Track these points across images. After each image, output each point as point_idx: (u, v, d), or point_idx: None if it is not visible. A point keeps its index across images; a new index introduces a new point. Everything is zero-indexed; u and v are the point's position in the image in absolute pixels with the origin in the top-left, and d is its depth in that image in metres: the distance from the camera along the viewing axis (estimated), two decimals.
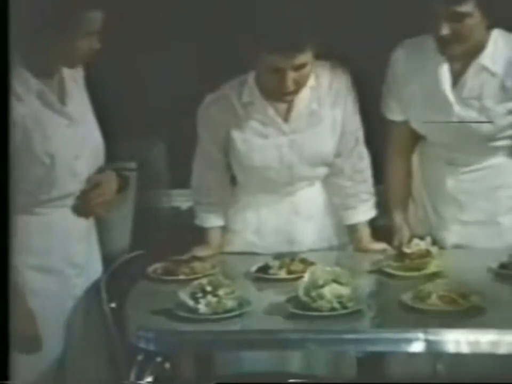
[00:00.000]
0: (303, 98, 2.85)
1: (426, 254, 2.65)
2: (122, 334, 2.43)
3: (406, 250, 2.67)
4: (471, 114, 2.79)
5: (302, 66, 2.70)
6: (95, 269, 2.67)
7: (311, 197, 2.97)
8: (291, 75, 2.70)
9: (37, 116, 2.44)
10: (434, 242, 2.74)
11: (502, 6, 2.60)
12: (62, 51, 2.43)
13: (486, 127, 2.78)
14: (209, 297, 2.36)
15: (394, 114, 2.94)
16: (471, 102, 2.78)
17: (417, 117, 2.89)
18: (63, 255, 2.54)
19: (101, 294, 2.54)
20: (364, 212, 2.95)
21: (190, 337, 2.32)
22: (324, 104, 2.87)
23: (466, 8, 2.61)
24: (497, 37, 2.75)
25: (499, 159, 2.88)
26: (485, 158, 2.87)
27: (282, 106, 2.86)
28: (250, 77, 2.87)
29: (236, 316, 2.34)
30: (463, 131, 2.81)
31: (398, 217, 2.99)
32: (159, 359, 2.37)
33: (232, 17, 3.03)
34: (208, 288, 2.38)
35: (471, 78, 2.77)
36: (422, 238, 2.73)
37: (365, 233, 2.96)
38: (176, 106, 3.19)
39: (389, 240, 2.90)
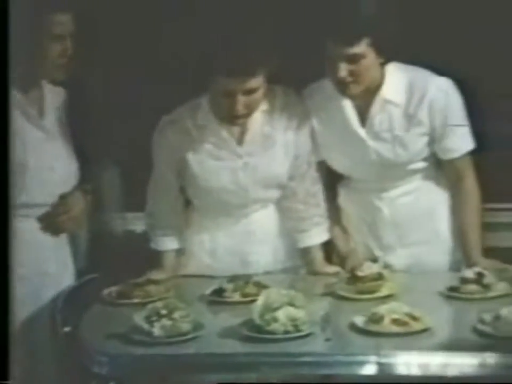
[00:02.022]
0: (257, 122, 2.88)
1: (379, 277, 2.68)
2: (76, 358, 2.42)
3: (359, 273, 2.69)
4: (386, 146, 2.88)
5: (253, 90, 2.73)
6: (67, 280, 2.67)
7: (265, 219, 3.00)
8: (242, 99, 2.73)
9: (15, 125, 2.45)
10: (387, 265, 2.78)
11: (393, 43, 2.69)
12: (36, 56, 2.45)
13: (402, 155, 2.88)
14: (164, 321, 2.36)
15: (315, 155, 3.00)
16: (383, 135, 2.87)
17: (335, 158, 2.97)
18: (31, 263, 2.54)
19: (55, 317, 2.53)
20: (316, 235, 2.99)
21: (144, 361, 2.32)
22: (277, 127, 2.90)
23: (360, 49, 2.69)
24: (392, 70, 2.84)
25: (425, 181, 2.98)
26: (410, 181, 2.96)
27: (236, 129, 2.89)
28: (205, 100, 2.89)
29: (190, 339, 2.35)
30: (381, 163, 2.90)
31: (351, 240, 3.04)
32: None
33: (185, 39, 3.05)
34: (163, 312, 2.38)
35: (378, 112, 2.86)
36: (374, 261, 2.77)
37: (318, 256, 2.99)
38: (131, 129, 3.20)
39: None
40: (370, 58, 2.73)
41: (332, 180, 3.05)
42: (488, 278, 2.61)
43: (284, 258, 3.02)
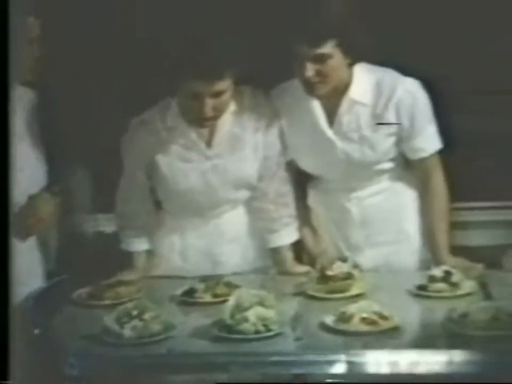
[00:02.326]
0: (225, 123, 2.89)
1: (349, 276, 2.70)
2: (47, 360, 2.41)
3: (329, 272, 2.71)
4: (353, 146, 2.90)
5: (220, 93, 2.74)
6: (36, 282, 2.67)
7: (235, 220, 3.01)
8: (209, 102, 2.73)
9: None
10: (357, 264, 2.80)
11: (360, 44, 2.71)
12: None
13: (369, 155, 2.91)
14: (135, 322, 2.36)
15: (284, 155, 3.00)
16: (350, 135, 2.89)
17: (303, 158, 2.99)
18: None
19: (25, 319, 2.52)
20: (286, 235, 3.00)
21: (115, 362, 2.32)
22: (246, 128, 2.91)
23: (327, 49, 2.71)
24: (360, 70, 2.86)
25: (392, 182, 3.00)
26: (378, 181, 2.99)
27: (205, 131, 2.90)
28: (174, 102, 2.89)
29: (161, 340, 2.35)
30: (349, 163, 2.92)
31: (321, 240, 3.06)
32: None
33: (154, 42, 3.05)
34: (134, 313, 2.39)
35: (345, 112, 2.88)
36: (344, 261, 2.79)
37: (288, 256, 3.01)
38: (101, 130, 3.20)
39: None
40: (337, 59, 2.75)
41: (301, 180, 3.07)
42: (456, 277, 2.64)
43: (254, 258, 3.03)
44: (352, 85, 2.86)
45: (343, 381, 2.24)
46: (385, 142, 2.91)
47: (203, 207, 2.96)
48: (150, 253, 3.02)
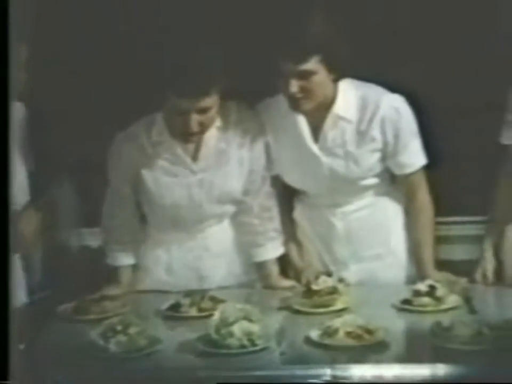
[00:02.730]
0: (211, 138, 2.89)
1: (334, 290, 2.71)
2: (31, 376, 2.40)
3: (314, 287, 2.72)
4: (338, 162, 2.91)
5: (206, 109, 2.75)
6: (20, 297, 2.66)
7: (220, 234, 3.01)
8: (195, 117, 2.74)
9: None
10: (342, 279, 2.81)
11: (345, 60, 2.73)
12: None
13: (354, 171, 2.92)
14: (120, 337, 2.36)
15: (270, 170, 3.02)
16: (335, 150, 2.91)
17: (289, 173, 3.00)
18: None
19: (8, 334, 2.51)
20: (272, 249, 3.01)
21: (101, 377, 2.31)
22: (231, 143, 2.92)
23: (311, 66, 2.72)
24: (345, 86, 2.87)
25: (377, 197, 3.01)
26: (363, 197, 3.00)
27: (191, 145, 2.90)
28: (159, 117, 2.90)
29: (146, 355, 2.35)
30: (334, 178, 2.93)
31: (306, 254, 3.07)
32: None
33: (139, 57, 3.06)
34: (119, 327, 2.39)
35: (330, 128, 2.89)
36: (329, 275, 2.79)
37: (274, 270, 3.01)
38: (87, 144, 3.20)
39: None
40: (322, 75, 2.76)
41: (287, 194, 3.08)
42: (440, 291, 2.65)
43: (240, 272, 3.03)
44: (336, 101, 2.87)
45: None
46: (370, 157, 2.93)
47: (188, 222, 2.97)
48: (135, 268, 3.02)
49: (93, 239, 3.22)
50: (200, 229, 2.99)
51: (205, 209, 2.94)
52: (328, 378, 2.23)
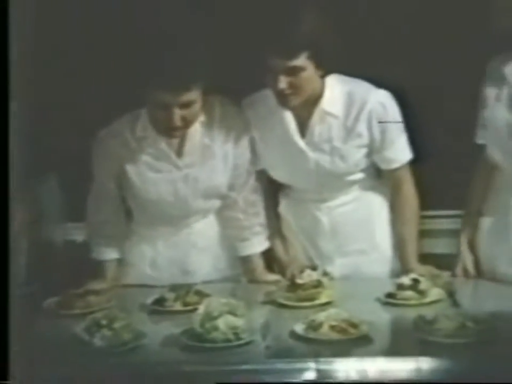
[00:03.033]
0: (195, 134, 2.89)
1: (318, 284, 2.71)
2: (15, 370, 2.40)
3: (299, 281, 2.73)
4: (325, 157, 2.92)
5: (189, 104, 2.75)
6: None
7: (206, 229, 3.02)
8: (178, 112, 2.74)
9: None
10: (326, 272, 2.82)
11: (333, 56, 2.74)
12: None
13: (340, 166, 2.93)
14: (105, 331, 2.37)
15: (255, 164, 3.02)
16: (322, 146, 2.91)
17: (275, 168, 3.01)
18: None
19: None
20: (257, 243, 3.02)
21: (86, 372, 2.31)
22: (215, 138, 2.92)
23: (300, 62, 2.73)
24: (332, 82, 2.88)
25: (363, 191, 3.03)
26: (349, 192, 3.01)
27: (175, 141, 2.90)
28: (144, 112, 2.90)
29: (131, 349, 2.35)
30: (321, 173, 2.94)
31: (291, 249, 3.08)
32: None
33: (122, 52, 3.05)
34: (104, 322, 2.39)
35: (317, 123, 2.90)
36: (314, 269, 2.80)
37: (259, 264, 3.02)
38: (70, 139, 3.19)
39: None
40: (310, 71, 2.76)
41: (272, 189, 3.09)
42: (424, 284, 2.67)
43: (225, 267, 3.04)
44: (324, 96, 2.87)
45: None
46: (357, 153, 2.93)
47: (173, 217, 2.97)
48: (120, 262, 3.02)
49: (78, 233, 3.21)
50: (185, 224, 2.99)
51: (189, 204, 2.94)
52: (312, 372, 2.24)
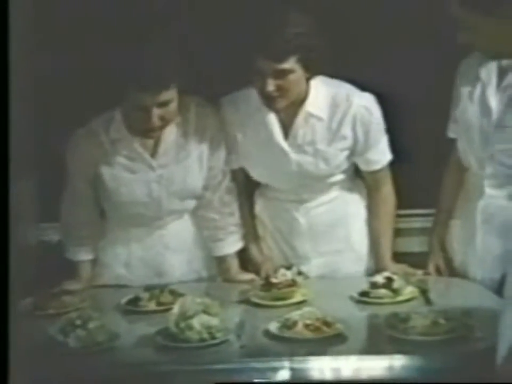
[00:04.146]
0: (170, 134, 2.89)
1: (292, 283, 2.72)
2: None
3: (273, 280, 2.74)
4: (308, 159, 2.92)
5: (167, 102, 2.74)
6: None
7: (180, 229, 3.01)
8: (156, 112, 2.73)
9: None
10: (300, 271, 2.83)
11: (321, 59, 2.75)
12: None
13: (323, 168, 2.93)
14: (79, 331, 2.36)
15: (230, 163, 3.02)
16: (305, 148, 2.91)
17: (256, 168, 3.01)
18: None
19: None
20: (231, 243, 3.02)
21: (60, 372, 2.31)
22: (190, 139, 2.91)
23: (288, 65, 2.72)
24: (317, 84, 2.87)
25: (341, 192, 3.03)
26: (328, 192, 3.02)
27: (150, 141, 2.90)
28: (118, 113, 2.89)
29: (106, 349, 2.36)
30: (302, 175, 2.94)
31: (265, 248, 3.09)
32: None
33: (98, 54, 3.04)
34: (78, 322, 2.39)
35: (301, 125, 2.90)
36: (288, 268, 2.81)
37: (233, 264, 3.02)
38: (44, 141, 3.17)
39: None
40: (298, 74, 2.76)
41: (249, 188, 3.09)
42: (397, 283, 2.68)
43: (200, 267, 3.04)
44: (308, 98, 2.87)
45: None
46: (340, 155, 2.93)
47: (147, 218, 2.96)
48: (94, 263, 3.02)
49: (51, 233, 3.20)
50: (160, 225, 2.98)
51: (164, 205, 2.93)
52: (287, 370, 2.25)
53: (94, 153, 2.90)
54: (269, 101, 2.80)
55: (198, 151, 2.92)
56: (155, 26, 3.03)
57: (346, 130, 2.90)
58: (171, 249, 2.99)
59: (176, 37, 2.86)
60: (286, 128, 2.92)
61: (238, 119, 2.95)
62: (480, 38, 2.54)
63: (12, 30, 2.03)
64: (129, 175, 2.90)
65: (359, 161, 2.98)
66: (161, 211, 2.94)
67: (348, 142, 2.92)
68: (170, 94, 2.74)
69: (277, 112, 2.88)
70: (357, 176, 3.07)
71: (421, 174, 3.23)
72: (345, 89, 2.91)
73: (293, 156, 2.92)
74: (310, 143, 2.91)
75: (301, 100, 2.87)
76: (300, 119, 2.89)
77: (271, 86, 2.73)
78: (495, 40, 2.54)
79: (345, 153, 2.94)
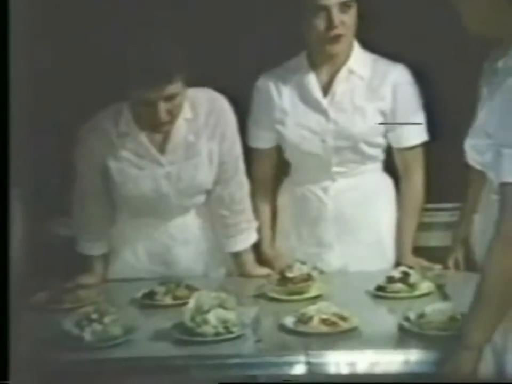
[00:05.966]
0: (180, 130, 2.87)
1: (308, 277, 2.72)
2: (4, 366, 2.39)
3: (289, 274, 2.73)
4: (345, 116, 2.93)
5: (173, 96, 2.72)
6: None
7: (189, 222, 2.99)
8: (163, 106, 2.71)
9: None
10: (316, 266, 2.82)
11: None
12: None
13: (359, 126, 2.93)
14: (95, 325, 2.36)
15: (263, 141, 3.04)
16: (344, 105, 2.94)
17: (291, 132, 2.98)
18: None
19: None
20: (244, 240, 3.00)
21: (75, 366, 2.31)
22: (200, 136, 2.89)
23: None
24: (359, 48, 2.95)
25: (372, 178, 3.01)
26: (359, 174, 2.99)
27: (158, 137, 2.88)
28: (126, 107, 2.86)
29: (121, 343, 2.35)
30: (339, 135, 2.93)
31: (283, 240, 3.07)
32: None
33: (103, 49, 3.03)
34: (94, 316, 2.38)
35: (342, 82, 2.93)
36: (303, 262, 2.80)
37: (249, 258, 3.01)
38: (44, 140, 3.16)
39: None
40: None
41: (271, 181, 3.10)
42: (414, 277, 2.67)
43: (212, 261, 3.02)
44: (351, 55, 2.93)
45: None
46: (375, 116, 2.94)
47: (156, 212, 2.95)
48: (107, 256, 3.02)
49: (65, 228, 3.19)
50: (170, 218, 2.97)
51: (172, 201, 2.92)
52: (302, 365, 2.24)
53: (102, 147, 2.88)
54: (332, 41, 2.84)
55: (208, 147, 2.90)
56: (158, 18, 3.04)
57: (386, 92, 2.93)
58: (180, 241, 2.97)
59: (179, 29, 2.86)
60: (326, 87, 2.95)
61: (276, 91, 2.98)
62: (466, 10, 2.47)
63: (12, 23, 2.03)
64: (136, 171, 2.89)
65: (392, 138, 2.97)
66: (169, 206, 2.93)
67: (386, 105, 2.93)
68: (176, 88, 2.72)
69: (335, 53, 2.90)
70: (390, 168, 3.04)
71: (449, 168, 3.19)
72: (386, 59, 2.96)
73: (331, 113, 2.93)
74: (348, 100, 2.93)
75: (344, 57, 2.92)
76: (340, 76, 2.93)
77: (337, 20, 2.80)
78: (480, 17, 2.46)
79: (381, 118, 2.94)
